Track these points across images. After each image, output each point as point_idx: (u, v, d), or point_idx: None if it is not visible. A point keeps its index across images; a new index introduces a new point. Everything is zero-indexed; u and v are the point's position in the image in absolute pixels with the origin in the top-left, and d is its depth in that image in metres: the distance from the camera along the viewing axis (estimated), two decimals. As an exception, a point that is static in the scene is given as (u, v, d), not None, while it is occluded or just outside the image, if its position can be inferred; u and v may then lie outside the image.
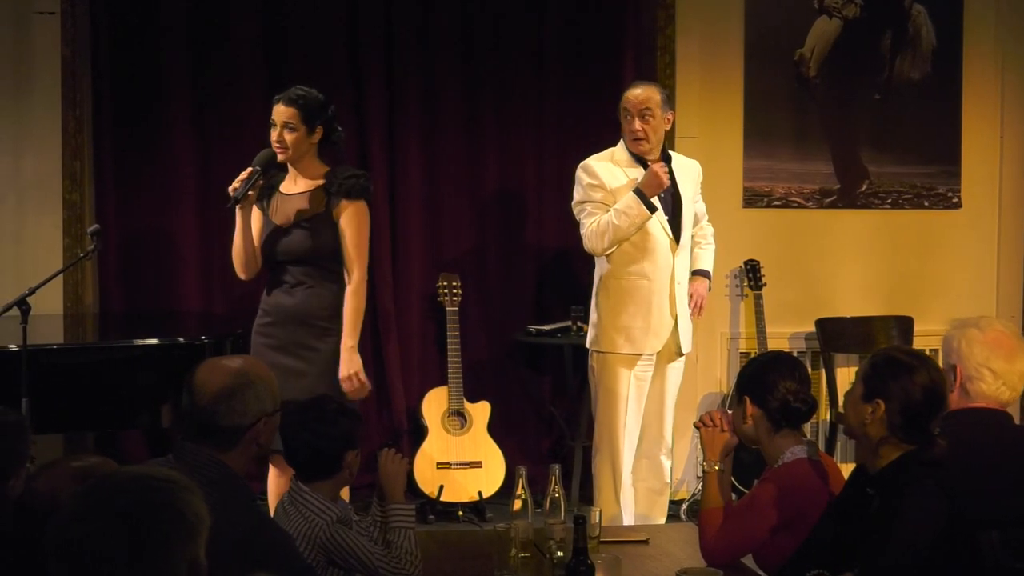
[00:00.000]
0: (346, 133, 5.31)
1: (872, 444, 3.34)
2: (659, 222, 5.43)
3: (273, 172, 5.08)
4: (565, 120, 6.80)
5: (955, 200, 7.10)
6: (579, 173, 5.52)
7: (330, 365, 4.98)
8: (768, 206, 6.90)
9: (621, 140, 5.51)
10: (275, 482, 4.99)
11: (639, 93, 5.47)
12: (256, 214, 5.06)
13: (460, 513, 6.33)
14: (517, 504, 3.77)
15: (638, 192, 5.34)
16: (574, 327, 6.50)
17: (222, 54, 6.52)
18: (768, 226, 6.89)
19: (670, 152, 5.63)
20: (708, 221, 5.80)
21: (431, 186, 6.77)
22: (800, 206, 6.96)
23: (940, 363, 3.89)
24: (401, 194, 6.72)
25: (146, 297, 6.51)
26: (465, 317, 6.53)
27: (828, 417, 6.81)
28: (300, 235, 4.99)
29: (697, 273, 5.67)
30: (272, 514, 3.71)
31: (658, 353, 5.53)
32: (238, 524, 2.93)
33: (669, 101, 5.59)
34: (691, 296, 5.57)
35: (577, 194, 5.52)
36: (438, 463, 6.33)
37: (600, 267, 5.57)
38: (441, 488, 6.28)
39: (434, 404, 6.41)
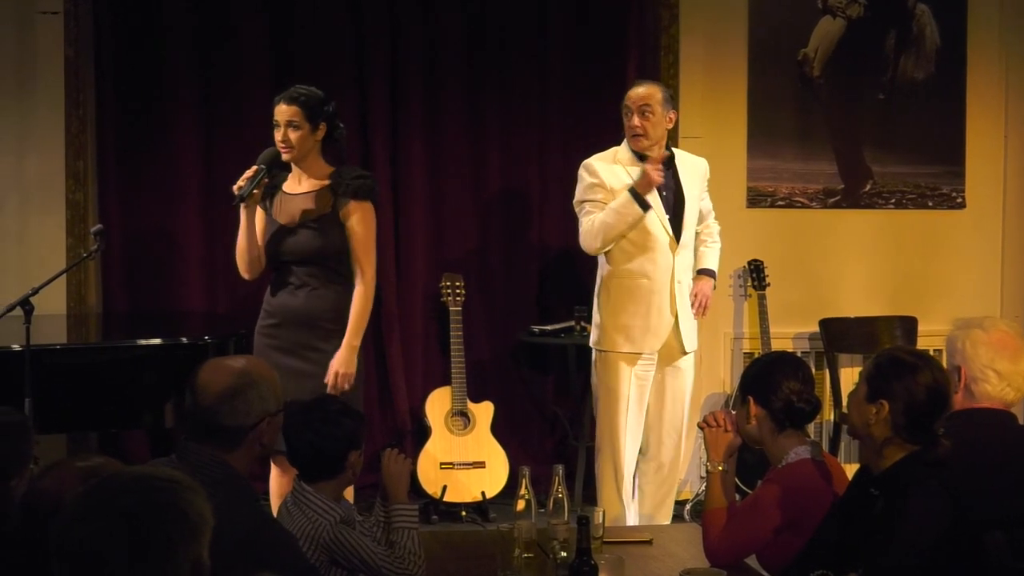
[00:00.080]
0: (349, 133, 5.31)
1: (876, 445, 3.33)
2: (659, 221, 5.43)
3: (276, 171, 5.07)
4: (568, 119, 6.80)
5: (959, 200, 7.10)
6: (581, 172, 5.52)
7: None
8: (772, 206, 6.90)
9: (624, 140, 5.51)
10: (277, 482, 4.99)
11: (640, 91, 5.49)
12: (259, 214, 5.05)
13: (463, 513, 6.33)
14: (520, 504, 3.77)
15: (632, 191, 5.33)
16: (577, 327, 6.49)
17: (225, 53, 6.53)
18: (772, 226, 6.88)
19: (674, 150, 5.63)
20: (715, 219, 5.79)
21: (434, 186, 6.77)
22: (804, 206, 6.95)
23: (944, 364, 3.89)
24: (404, 194, 6.72)
25: (149, 297, 6.51)
26: (468, 317, 6.53)
27: (832, 417, 6.81)
28: (307, 236, 4.98)
29: (702, 272, 5.66)
30: (275, 514, 3.71)
31: (661, 352, 5.52)
32: (241, 524, 2.93)
33: (672, 101, 5.58)
34: (695, 295, 5.55)
35: (578, 193, 5.53)
36: (441, 463, 6.33)
37: (602, 266, 5.57)
38: (444, 488, 6.28)
39: (437, 404, 6.41)
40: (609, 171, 5.45)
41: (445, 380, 6.45)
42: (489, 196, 6.83)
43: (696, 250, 5.68)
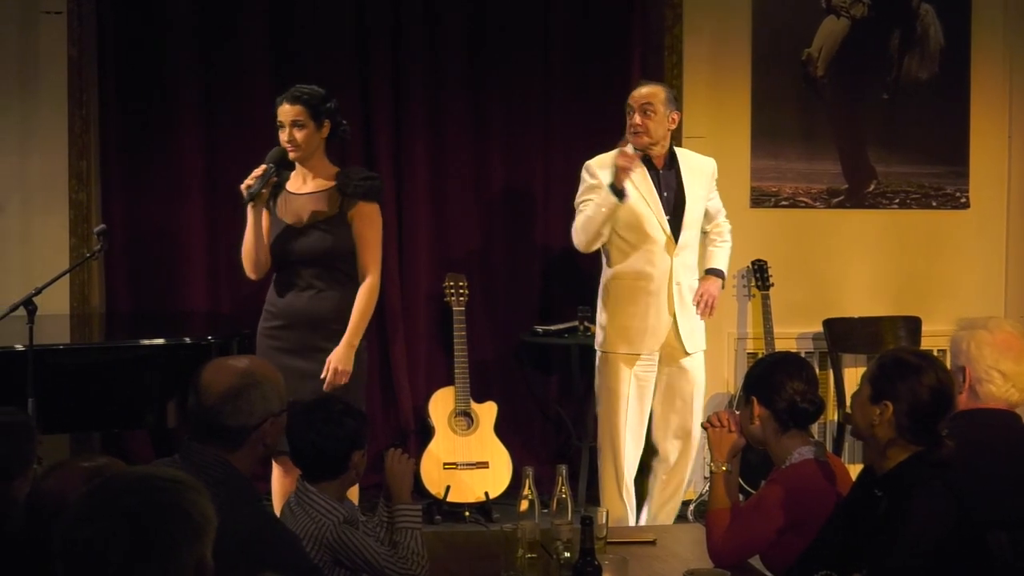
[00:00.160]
0: (353, 132, 5.30)
1: (880, 446, 3.33)
2: (658, 222, 5.44)
3: (281, 170, 5.07)
4: (571, 119, 6.79)
5: (963, 200, 7.09)
6: (582, 173, 5.55)
7: None
8: (776, 206, 6.89)
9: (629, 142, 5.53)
10: (280, 482, 4.98)
11: (644, 90, 5.52)
12: (264, 213, 5.05)
13: (467, 514, 6.33)
14: (524, 505, 3.77)
15: (611, 184, 5.34)
16: (581, 327, 6.49)
17: (228, 53, 6.52)
18: (775, 226, 6.88)
19: (677, 149, 5.63)
20: (725, 218, 5.77)
21: (437, 186, 6.77)
22: (808, 206, 6.95)
23: (948, 364, 3.89)
24: (407, 194, 6.72)
25: (152, 297, 6.51)
26: (472, 317, 6.52)
27: (836, 418, 6.80)
28: (316, 236, 4.98)
29: (710, 272, 5.65)
30: (278, 515, 3.71)
31: (662, 353, 5.53)
32: (244, 524, 2.93)
33: (676, 101, 5.59)
34: (701, 295, 5.53)
35: (578, 193, 5.54)
36: (445, 463, 6.33)
37: (604, 267, 5.60)
38: (448, 488, 6.26)
39: (440, 404, 6.41)
40: (609, 173, 5.45)
41: (448, 380, 6.45)
42: (492, 196, 6.83)
43: (705, 250, 5.67)
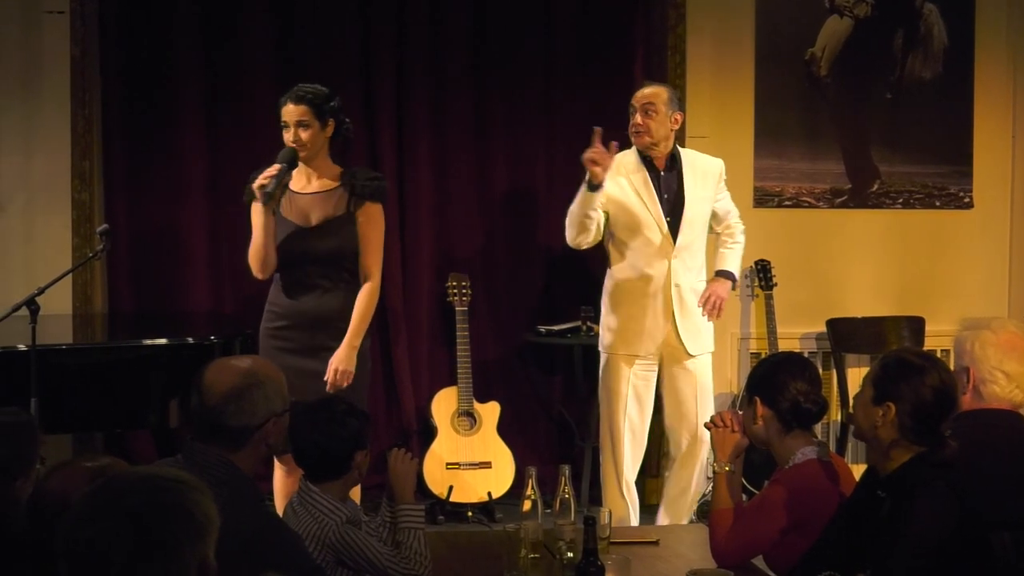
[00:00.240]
0: (356, 132, 5.30)
1: (883, 447, 3.32)
2: (656, 223, 5.44)
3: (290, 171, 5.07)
4: (574, 119, 6.78)
5: (967, 200, 7.08)
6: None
7: None
8: (779, 206, 6.89)
9: (633, 144, 5.54)
10: (283, 483, 4.98)
11: (646, 90, 5.55)
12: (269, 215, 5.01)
13: (469, 514, 6.33)
14: (527, 505, 3.77)
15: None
16: (584, 327, 6.49)
17: (232, 53, 6.52)
18: (779, 226, 6.87)
19: (683, 150, 5.62)
20: (738, 219, 5.74)
21: (440, 186, 6.77)
22: (811, 206, 6.94)
23: (952, 364, 3.88)
24: (410, 193, 6.71)
25: (155, 297, 6.51)
26: (474, 317, 6.52)
27: (839, 418, 6.80)
28: (324, 236, 4.98)
29: (719, 274, 5.61)
30: (280, 514, 3.71)
31: (664, 355, 5.53)
32: (247, 524, 2.93)
33: (679, 102, 5.59)
34: (708, 297, 5.50)
35: None
36: (447, 463, 6.32)
37: (608, 268, 5.59)
38: (450, 489, 6.28)
39: (443, 404, 6.41)
40: (611, 179, 5.47)
41: (451, 380, 6.44)
42: (495, 196, 6.83)
43: (716, 251, 5.65)
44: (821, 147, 6.92)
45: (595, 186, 5.31)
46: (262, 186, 4.88)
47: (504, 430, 6.45)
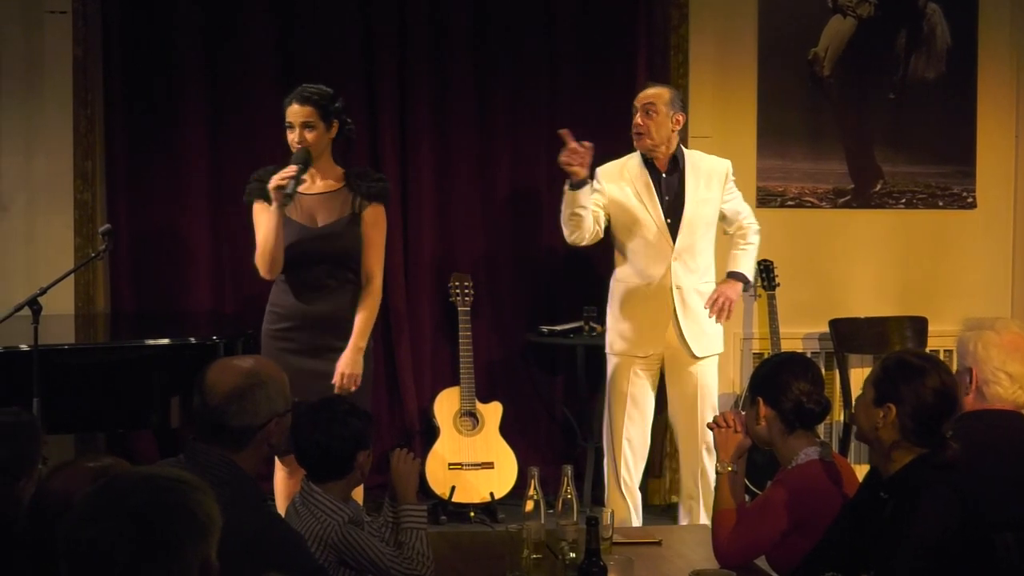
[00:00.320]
0: (358, 132, 5.29)
1: (884, 448, 3.32)
2: (656, 225, 5.44)
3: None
4: (577, 118, 6.74)
5: (970, 200, 7.08)
6: None
7: None
8: (782, 206, 6.88)
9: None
10: (283, 484, 4.98)
11: (648, 91, 5.55)
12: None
13: (472, 514, 6.32)
14: (529, 505, 3.76)
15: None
16: (586, 327, 6.49)
17: (234, 53, 6.52)
18: (782, 226, 6.86)
19: (687, 151, 5.60)
20: (752, 219, 5.68)
21: (443, 186, 6.76)
22: (814, 206, 6.94)
23: (955, 365, 3.88)
24: (413, 194, 6.71)
25: (157, 297, 6.51)
26: (477, 317, 6.52)
27: (842, 418, 6.79)
28: (331, 236, 4.97)
29: (730, 275, 5.56)
30: (283, 515, 3.70)
31: (667, 357, 5.52)
32: (250, 524, 2.92)
33: (681, 103, 5.57)
34: (716, 298, 5.45)
35: None
36: (450, 464, 6.32)
37: (612, 270, 5.60)
38: (453, 489, 6.27)
39: (446, 404, 6.41)
40: (611, 175, 5.52)
41: (454, 380, 6.44)
42: (497, 196, 6.82)
43: (729, 252, 5.61)
44: (824, 147, 6.92)
45: (577, 184, 5.32)
46: (280, 187, 4.83)
47: (506, 430, 6.45)
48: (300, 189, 5.03)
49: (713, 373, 5.60)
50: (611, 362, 5.60)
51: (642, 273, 5.49)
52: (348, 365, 4.94)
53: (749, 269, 5.62)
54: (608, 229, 5.57)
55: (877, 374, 3.39)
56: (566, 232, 5.51)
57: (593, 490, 6.41)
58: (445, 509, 6.29)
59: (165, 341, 5.24)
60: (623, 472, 5.57)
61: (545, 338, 6.61)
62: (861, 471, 3.68)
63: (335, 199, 5.02)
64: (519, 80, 6.77)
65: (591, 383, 6.50)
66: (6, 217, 6.32)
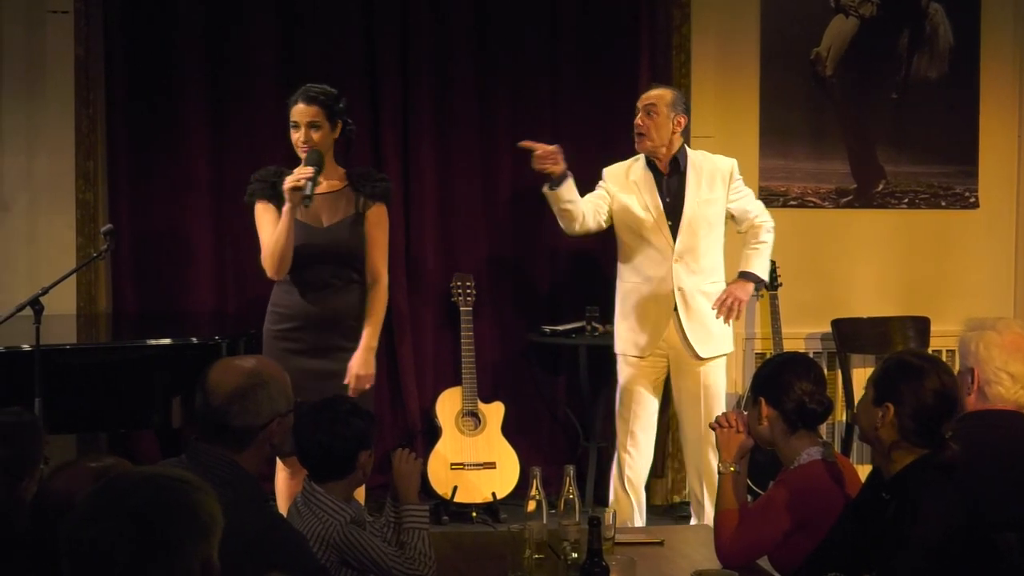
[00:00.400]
0: (360, 133, 5.29)
1: (884, 448, 3.32)
2: (659, 226, 5.44)
3: (288, 172, 5.05)
4: (579, 118, 6.78)
5: (972, 200, 7.07)
6: None
7: None
8: (784, 206, 6.87)
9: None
10: (285, 484, 4.97)
11: (650, 92, 5.55)
12: (275, 215, 4.98)
13: (474, 514, 6.32)
14: (531, 505, 3.76)
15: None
16: (588, 327, 6.48)
17: (236, 53, 6.52)
18: (784, 226, 6.80)
19: (691, 152, 5.58)
20: (765, 216, 5.61)
21: (445, 186, 6.76)
22: (816, 206, 6.93)
23: (957, 365, 3.87)
24: (415, 194, 6.71)
25: (159, 297, 6.50)
26: (479, 317, 6.52)
27: (844, 418, 6.80)
28: (337, 236, 4.97)
29: (741, 275, 5.52)
30: (285, 515, 3.70)
31: (671, 358, 5.52)
32: (251, 524, 2.92)
33: (684, 105, 5.54)
34: (724, 298, 5.43)
35: None
36: (452, 464, 6.32)
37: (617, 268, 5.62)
38: (455, 489, 6.27)
39: (448, 404, 6.40)
40: (618, 180, 5.54)
41: (456, 380, 6.44)
42: (499, 196, 6.82)
43: (742, 252, 5.60)
44: (826, 147, 6.92)
45: (557, 181, 5.36)
46: (298, 188, 4.81)
47: (508, 430, 6.44)
48: (303, 189, 5.03)
49: (720, 374, 5.58)
50: (617, 361, 5.63)
51: (644, 274, 5.49)
52: (362, 366, 4.95)
53: (761, 268, 5.57)
54: (612, 229, 5.57)
55: (878, 374, 3.39)
56: (563, 227, 5.54)
57: (595, 490, 6.40)
58: (447, 509, 6.28)
59: (167, 341, 5.24)
60: (627, 471, 5.57)
61: (547, 338, 6.61)
62: (863, 471, 3.68)
63: (339, 199, 5.02)
64: (521, 79, 6.76)
65: (593, 383, 6.49)
66: (8, 217, 6.32)
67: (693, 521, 5.64)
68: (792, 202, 6.89)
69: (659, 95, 5.49)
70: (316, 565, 3.24)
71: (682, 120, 5.50)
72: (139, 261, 6.50)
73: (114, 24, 6.39)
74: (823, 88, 6.88)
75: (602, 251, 6.47)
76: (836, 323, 6.82)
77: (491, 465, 6.34)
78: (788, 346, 6.51)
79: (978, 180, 7.07)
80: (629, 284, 5.54)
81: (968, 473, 3.28)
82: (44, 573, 2.57)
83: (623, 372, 5.59)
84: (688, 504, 6.32)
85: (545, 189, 5.41)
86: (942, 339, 6.70)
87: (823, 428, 4.21)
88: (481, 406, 6.40)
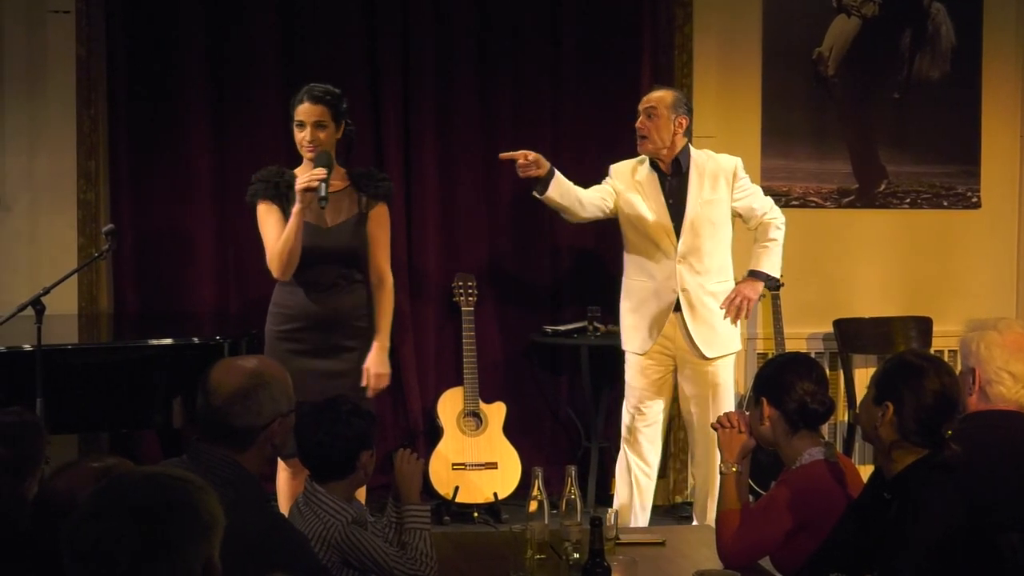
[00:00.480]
0: (362, 133, 5.29)
1: (884, 447, 3.32)
2: (663, 227, 5.44)
3: (289, 172, 5.05)
4: (581, 118, 6.78)
5: (974, 200, 7.07)
6: None
7: None
8: (786, 206, 6.84)
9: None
10: (287, 485, 4.97)
11: (651, 94, 5.55)
12: (279, 216, 4.98)
13: (475, 514, 6.32)
14: (533, 505, 3.76)
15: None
16: (590, 327, 6.48)
17: (237, 53, 6.52)
18: (786, 226, 6.84)
19: (695, 152, 5.57)
20: (775, 213, 5.60)
21: (447, 186, 6.76)
22: (818, 206, 6.93)
23: (959, 365, 3.87)
24: (417, 194, 6.71)
25: (161, 297, 6.50)
26: (481, 317, 6.52)
27: (846, 418, 6.79)
28: (342, 236, 4.97)
29: (750, 274, 5.52)
30: (286, 515, 3.70)
31: (677, 358, 5.52)
32: (253, 524, 2.92)
33: (685, 106, 5.53)
34: (732, 297, 5.43)
35: None
36: (453, 464, 6.32)
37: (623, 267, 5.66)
38: (456, 489, 6.27)
39: (449, 405, 6.40)
40: (624, 178, 5.55)
41: (457, 380, 6.44)
42: (501, 196, 6.81)
43: (752, 250, 5.59)
44: (828, 147, 6.91)
45: (542, 186, 5.39)
46: (313, 189, 4.79)
47: (510, 430, 6.44)
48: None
49: (727, 373, 5.56)
50: (624, 359, 5.65)
51: (647, 274, 5.50)
52: (377, 365, 4.97)
53: (770, 266, 5.56)
54: (618, 226, 5.58)
55: (879, 373, 3.40)
56: (566, 219, 5.60)
57: (597, 490, 6.40)
58: (449, 509, 6.28)
59: (168, 341, 5.24)
60: (632, 468, 5.58)
61: (549, 338, 6.61)
62: (865, 471, 3.68)
63: (343, 199, 5.02)
64: (523, 79, 6.76)
65: (595, 383, 6.49)
66: (9, 217, 6.32)
67: (695, 522, 5.63)
68: (794, 202, 6.88)
69: (659, 97, 5.49)
70: (317, 565, 3.24)
71: (683, 121, 5.49)
72: (140, 261, 6.50)
73: (115, 24, 6.40)
74: (825, 88, 6.88)
75: (604, 251, 6.48)
76: (838, 323, 6.82)
77: (493, 465, 6.34)
78: (790, 346, 6.51)
79: (980, 180, 7.06)
80: (634, 281, 5.56)
81: (969, 473, 3.28)
82: (46, 573, 2.57)
83: (629, 369, 5.60)
84: (690, 504, 6.34)
85: (535, 194, 5.42)
86: (944, 339, 6.69)
87: (825, 428, 4.20)
88: (483, 406, 6.40)
